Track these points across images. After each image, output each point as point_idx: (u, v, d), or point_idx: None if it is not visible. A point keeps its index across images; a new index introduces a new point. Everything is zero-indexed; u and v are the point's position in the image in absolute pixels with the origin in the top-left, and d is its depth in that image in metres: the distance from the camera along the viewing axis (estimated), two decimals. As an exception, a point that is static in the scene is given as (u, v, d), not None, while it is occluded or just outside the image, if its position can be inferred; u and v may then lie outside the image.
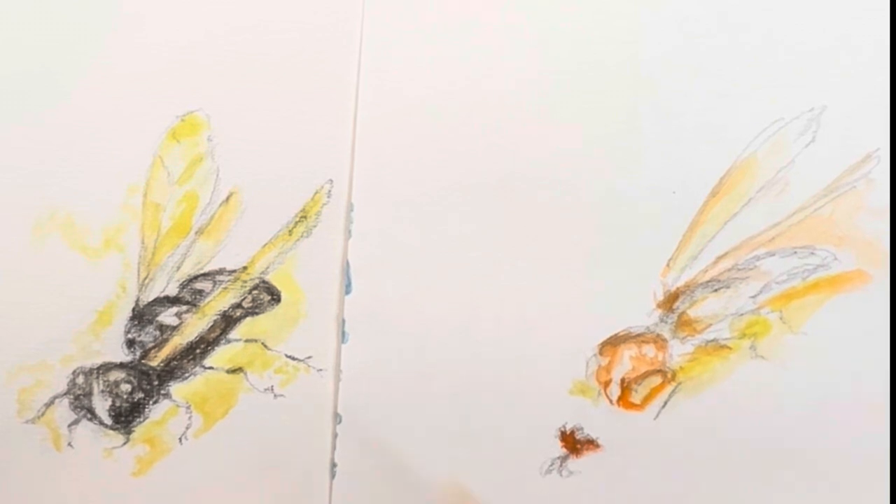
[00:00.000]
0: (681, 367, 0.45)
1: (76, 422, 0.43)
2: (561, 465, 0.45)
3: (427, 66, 0.42)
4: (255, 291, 0.43)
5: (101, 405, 0.43)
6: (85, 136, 0.41)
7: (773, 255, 0.44)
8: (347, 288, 0.43)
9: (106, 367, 0.43)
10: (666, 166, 0.43)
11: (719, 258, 0.44)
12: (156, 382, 0.43)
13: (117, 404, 0.43)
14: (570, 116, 0.42)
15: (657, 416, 0.45)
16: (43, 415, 0.43)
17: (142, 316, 0.42)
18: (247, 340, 0.43)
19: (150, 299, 0.42)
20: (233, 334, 0.43)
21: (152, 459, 0.44)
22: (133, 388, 0.43)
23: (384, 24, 0.42)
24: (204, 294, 0.43)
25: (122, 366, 0.43)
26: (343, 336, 0.43)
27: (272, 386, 0.44)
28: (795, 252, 0.44)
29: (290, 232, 0.42)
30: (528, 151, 0.42)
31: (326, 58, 0.41)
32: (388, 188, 0.42)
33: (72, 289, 0.42)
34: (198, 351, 0.43)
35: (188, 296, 0.43)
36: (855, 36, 0.43)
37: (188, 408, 0.43)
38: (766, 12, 0.43)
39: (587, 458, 0.45)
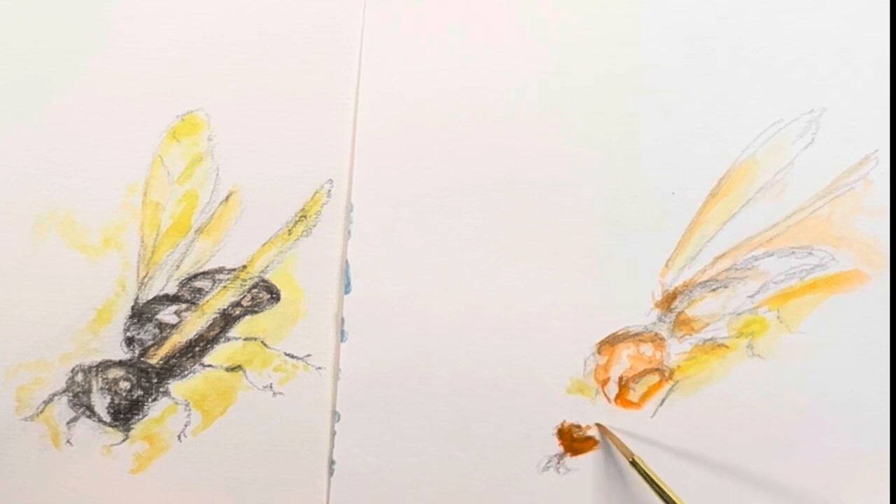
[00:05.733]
0: (678, 366, 0.45)
1: (75, 419, 0.43)
2: (559, 463, 0.45)
3: (427, 66, 0.42)
4: (254, 290, 0.43)
5: (100, 403, 0.43)
6: (85, 136, 0.41)
7: (772, 255, 0.44)
8: (347, 287, 0.43)
9: (105, 365, 0.43)
10: (665, 167, 0.43)
11: (718, 258, 0.44)
12: (155, 380, 0.43)
13: (116, 402, 0.43)
14: (570, 118, 0.42)
15: (654, 414, 0.45)
16: (42, 412, 0.43)
17: (141, 314, 0.42)
18: (246, 339, 0.43)
19: (150, 297, 0.42)
20: (232, 332, 0.43)
21: (151, 457, 0.44)
22: (132, 386, 0.43)
23: (384, 24, 0.42)
24: (203, 292, 0.43)
25: (121, 364, 0.43)
26: (342, 335, 0.43)
27: (271, 384, 0.44)
28: (793, 252, 0.44)
29: (290, 231, 0.42)
30: (527, 152, 0.42)
31: (326, 58, 0.41)
32: (388, 188, 0.42)
33: (71, 287, 0.42)
34: (197, 349, 0.43)
35: (187, 294, 0.43)
36: (855, 38, 0.43)
37: (187, 405, 0.43)
38: (766, 14, 0.43)
39: (585, 456, 0.45)
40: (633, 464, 0.41)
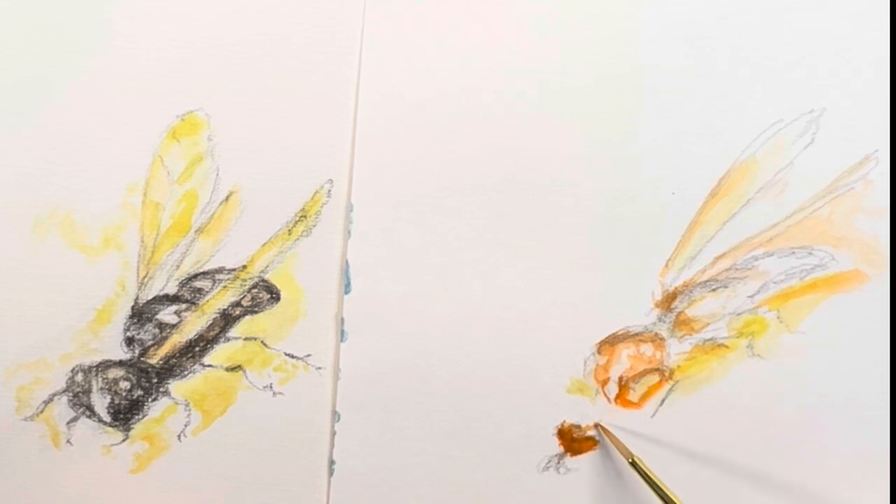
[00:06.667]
0: (678, 366, 0.45)
1: (75, 419, 0.43)
2: (559, 463, 0.45)
3: (427, 66, 0.42)
4: (254, 290, 0.43)
5: (100, 403, 0.43)
6: (85, 136, 0.41)
7: (772, 255, 0.44)
8: (347, 287, 0.43)
9: (105, 365, 0.43)
10: (665, 167, 0.43)
11: (718, 258, 0.44)
12: (155, 380, 0.43)
13: (116, 402, 0.43)
14: (570, 118, 0.43)
15: (654, 414, 0.45)
16: (42, 412, 0.43)
17: (141, 314, 0.42)
18: (246, 339, 0.43)
19: (150, 297, 0.42)
20: (232, 332, 0.43)
21: (151, 457, 0.44)
22: (132, 386, 0.43)
23: (384, 24, 0.42)
24: (203, 292, 0.43)
25: (121, 363, 0.43)
26: (342, 335, 0.43)
27: (271, 384, 0.44)
28: (793, 252, 0.44)
29: (290, 231, 0.42)
30: (527, 152, 0.43)
31: (326, 58, 0.42)
32: (388, 188, 0.42)
33: (71, 287, 0.42)
34: (197, 349, 0.43)
35: (187, 294, 0.43)
36: (855, 38, 0.43)
37: (187, 405, 0.43)
38: (766, 14, 0.43)
39: (584, 456, 0.45)
40: (633, 464, 0.41)
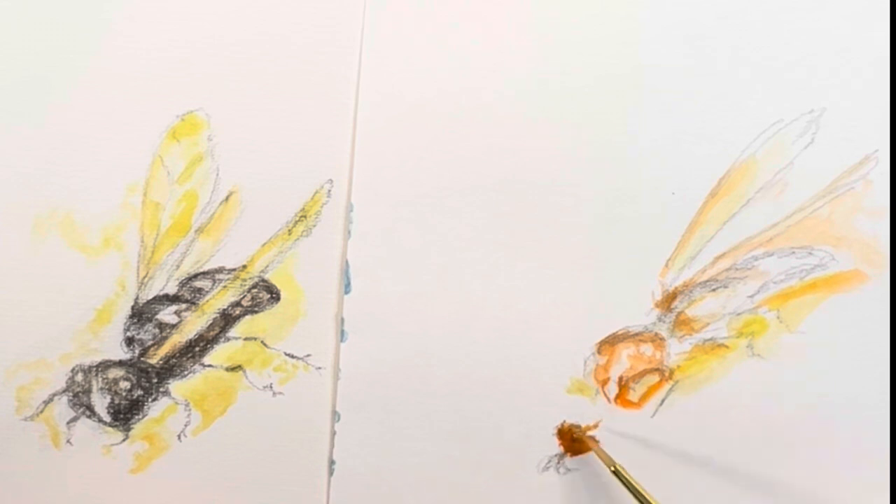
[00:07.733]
0: (678, 366, 0.45)
1: (75, 419, 0.43)
2: (559, 463, 0.45)
3: (427, 66, 0.42)
4: (254, 290, 0.43)
5: (100, 402, 0.43)
6: (85, 136, 0.41)
7: (772, 255, 0.44)
8: (347, 287, 0.43)
9: (105, 365, 0.43)
10: (665, 167, 0.43)
11: (718, 258, 0.44)
12: (155, 380, 0.43)
13: (116, 402, 0.43)
14: (570, 118, 0.43)
15: (654, 414, 0.45)
16: (42, 412, 0.43)
17: (141, 314, 0.42)
18: (246, 339, 0.43)
19: (150, 297, 0.42)
20: (232, 332, 0.43)
21: (151, 457, 0.44)
22: (132, 386, 0.43)
23: (384, 24, 0.42)
24: (203, 292, 0.43)
25: (121, 363, 0.43)
26: (342, 335, 0.43)
27: (271, 384, 0.44)
28: (793, 252, 0.44)
29: (290, 231, 0.42)
30: (527, 152, 0.43)
31: (326, 58, 0.42)
32: (388, 188, 0.42)
33: (71, 287, 0.42)
34: (197, 349, 0.43)
35: (187, 294, 0.43)
36: (855, 38, 0.43)
37: (187, 405, 0.43)
38: (766, 14, 0.43)
39: (585, 456, 0.45)
40: (616, 472, 0.41)
